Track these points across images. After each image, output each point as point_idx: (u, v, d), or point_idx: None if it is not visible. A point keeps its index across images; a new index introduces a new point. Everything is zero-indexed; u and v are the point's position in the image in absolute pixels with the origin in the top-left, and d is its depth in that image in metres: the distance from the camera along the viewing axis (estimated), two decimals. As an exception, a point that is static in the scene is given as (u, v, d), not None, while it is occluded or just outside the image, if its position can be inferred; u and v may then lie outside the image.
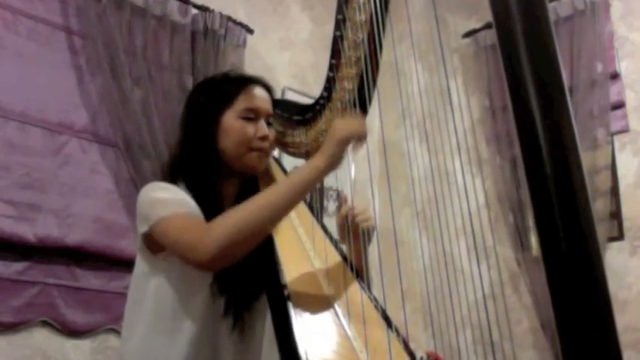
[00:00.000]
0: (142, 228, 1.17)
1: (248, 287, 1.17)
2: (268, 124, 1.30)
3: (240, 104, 1.27)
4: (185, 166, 1.26)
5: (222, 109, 1.26)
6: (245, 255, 1.08)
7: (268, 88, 1.34)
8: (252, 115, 1.27)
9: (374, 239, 1.29)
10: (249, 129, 1.26)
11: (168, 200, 1.16)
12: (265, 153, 1.29)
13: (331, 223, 1.37)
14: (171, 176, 1.26)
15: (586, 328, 0.49)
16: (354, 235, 1.22)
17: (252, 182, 1.31)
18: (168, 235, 1.12)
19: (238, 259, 1.10)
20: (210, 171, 1.25)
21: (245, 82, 1.30)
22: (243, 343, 1.19)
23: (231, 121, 1.26)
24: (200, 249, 1.05)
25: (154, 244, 1.17)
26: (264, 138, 1.26)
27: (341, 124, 1.10)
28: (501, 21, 0.55)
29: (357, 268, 1.22)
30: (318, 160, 1.08)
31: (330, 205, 3.03)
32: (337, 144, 1.07)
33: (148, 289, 1.20)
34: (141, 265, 1.23)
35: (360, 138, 1.10)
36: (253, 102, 1.27)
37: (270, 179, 1.36)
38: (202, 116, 1.27)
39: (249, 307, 1.19)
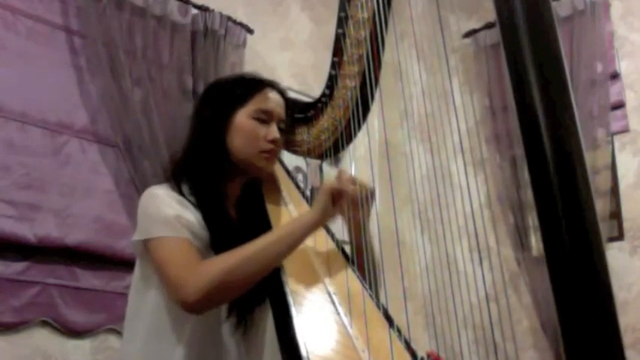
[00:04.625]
0: (140, 236, 1.17)
1: (250, 289, 1.16)
2: (280, 129, 1.29)
3: (254, 105, 1.26)
4: (192, 164, 1.25)
5: (235, 108, 1.26)
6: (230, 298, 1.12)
7: (283, 94, 1.33)
8: (264, 117, 1.26)
9: (375, 238, 1.28)
10: (260, 130, 1.25)
11: (167, 218, 1.14)
12: (273, 156, 1.29)
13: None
14: (177, 174, 1.25)
15: (589, 327, 0.49)
16: (353, 205, 1.21)
17: (255, 184, 1.31)
18: (158, 261, 1.13)
19: (223, 304, 1.13)
20: (217, 170, 1.25)
21: (261, 84, 1.29)
22: (246, 345, 1.19)
23: (242, 119, 1.25)
24: (186, 290, 1.06)
25: None
26: (273, 141, 1.26)
27: (328, 181, 1.17)
28: (505, 18, 0.55)
29: (356, 246, 1.22)
30: (312, 213, 1.14)
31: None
32: (325, 193, 1.13)
33: (148, 293, 1.19)
34: (140, 268, 1.23)
35: (345, 188, 1.15)
36: (267, 104, 1.27)
37: (273, 181, 1.36)
38: (215, 112, 1.26)
39: (252, 310, 1.18)
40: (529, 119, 0.53)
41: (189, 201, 1.21)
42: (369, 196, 1.23)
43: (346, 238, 1.28)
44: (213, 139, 1.24)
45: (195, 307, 1.08)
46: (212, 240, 1.18)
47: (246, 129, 1.24)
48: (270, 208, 1.27)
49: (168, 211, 1.16)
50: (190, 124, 1.32)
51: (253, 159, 1.25)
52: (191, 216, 1.18)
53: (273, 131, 1.26)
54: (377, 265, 1.28)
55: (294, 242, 1.12)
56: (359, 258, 1.21)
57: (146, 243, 1.15)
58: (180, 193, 1.21)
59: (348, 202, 1.18)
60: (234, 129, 1.25)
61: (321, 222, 1.15)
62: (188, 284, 1.06)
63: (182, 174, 1.25)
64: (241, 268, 1.07)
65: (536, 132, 0.52)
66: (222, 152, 1.25)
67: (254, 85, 1.29)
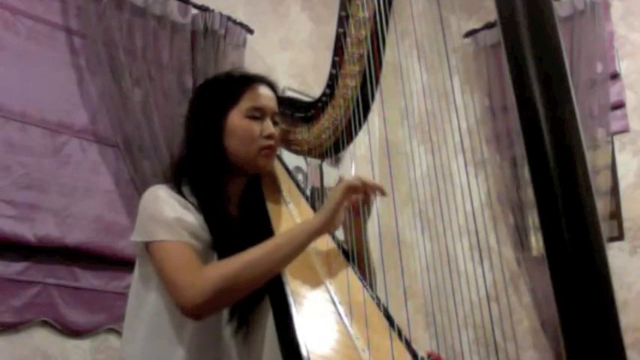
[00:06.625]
0: (139, 237, 1.17)
1: (252, 292, 1.15)
2: (275, 122, 1.28)
3: (245, 103, 1.25)
4: (191, 166, 1.25)
5: (227, 109, 1.25)
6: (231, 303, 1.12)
7: (272, 86, 1.32)
8: (257, 114, 1.25)
9: (375, 238, 1.28)
10: (255, 128, 1.24)
11: (169, 221, 1.14)
12: (272, 152, 1.29)
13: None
14: (177, 176, 1.25)
15: (590, 326, 0.49)
16: (354, 212, 1.22)
17: (255, 181, 1.31)
18: (160, 265, 1.12)
19: (223, 309, 1.13)
20: (216, 171, 1.24)
21: (249, 80, 1.28)
22: (246, 345, 1.19)
23: (236, 120, 1.24)
24: (186, 295, 1.06)
25: None
26: (270, 137, 1.25)
27: (338, 188, 1.15)
28: (505, 11, 0.55)
29: (358, 249, 1.22)
30: (317, 219, 1.13)
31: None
32: (333, 200, 1.13)
33: (149, 293, 1.19)
34: (140, 268, 1.23)
35: (358, 189, 1.16)
36: (258, 101, 1.26)
37: (273, 178, 1.36)
38: (207, 116, 1.26)
39: (253, 312, 1.18)
40: (529, 113, 0.53)
41: (190, 202, 1.20)
42: (369, 204, 1.23)
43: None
44: (210, 143, 1.24)
45: (195, 312, 1.08)
46: (214, 241, 1.18)
47: (241, 129, 1.24)
48: (271, 207, 1.27)
49: (170, 213, 1.15)
50: (185, 126, 1.32)
51: (253, 158, 1.25)
52: (192, 217, 1.17)
53: (268, 127, 1.25)
54: (373, 270, 1.28)
55: (297, 248, 1.11)
56: (359, 262, 1.21)
57: (147, 245, 1.15)
58: (181, 194, 1.21)
59: (358, 201, 1.18)
60: (229, 131, 1.24)
61: (325, 230, 1.14)
62: (188, 289, 1.06)
63: (182, 175, 1.25)
64: (243, 274, 1.06)
65: (536, 126, 0.52)
66: (220, 154, 1.24)
67: (242, 82, 1.28)
